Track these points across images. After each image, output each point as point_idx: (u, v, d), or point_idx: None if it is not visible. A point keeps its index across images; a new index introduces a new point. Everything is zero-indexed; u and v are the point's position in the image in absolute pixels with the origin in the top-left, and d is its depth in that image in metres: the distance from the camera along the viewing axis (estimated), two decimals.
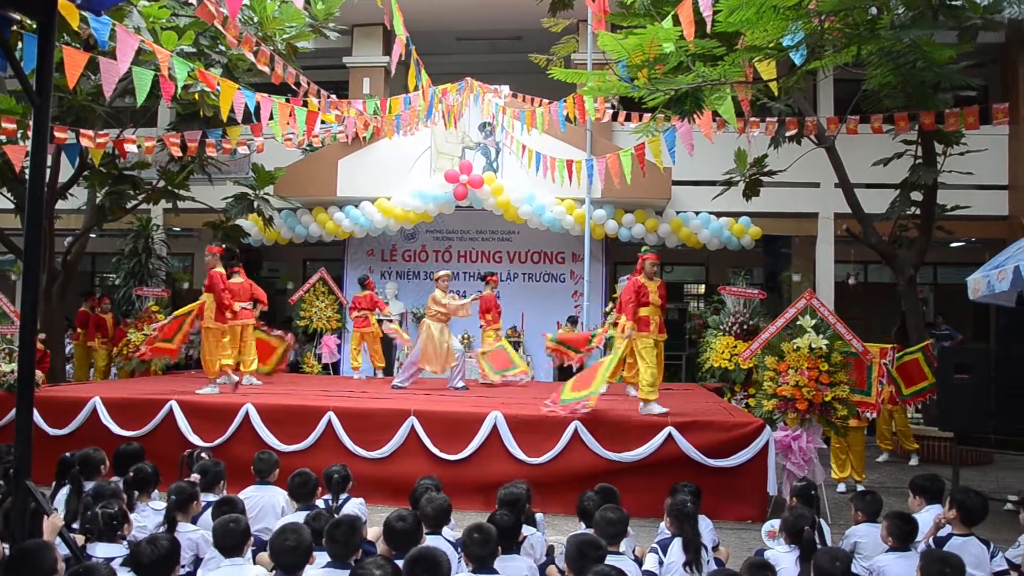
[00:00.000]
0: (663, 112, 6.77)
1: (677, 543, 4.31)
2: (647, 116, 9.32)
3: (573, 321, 13.57)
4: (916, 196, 11.66)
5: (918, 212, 11.72)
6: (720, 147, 10.92)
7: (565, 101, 9.39)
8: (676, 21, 5.29)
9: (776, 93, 9.21)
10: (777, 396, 7.18)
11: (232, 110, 7.75)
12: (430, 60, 10.08)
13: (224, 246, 10.83)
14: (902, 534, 4.29)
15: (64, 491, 5.20)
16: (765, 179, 12.37)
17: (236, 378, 9.44)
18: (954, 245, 15.80)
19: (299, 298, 14.24)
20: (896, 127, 9.73)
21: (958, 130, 9.88)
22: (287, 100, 8.67)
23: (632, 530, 4.60)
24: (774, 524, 4.89)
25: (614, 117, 11.58)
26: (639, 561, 4.40)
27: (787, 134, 10.94)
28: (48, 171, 10.93)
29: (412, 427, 7.83)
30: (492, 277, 12.00)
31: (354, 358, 12.54)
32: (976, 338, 15.89)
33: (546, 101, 10.46)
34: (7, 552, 3.76)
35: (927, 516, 4.83)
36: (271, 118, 8.24)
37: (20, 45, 6.55)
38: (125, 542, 4.12)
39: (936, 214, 11.60)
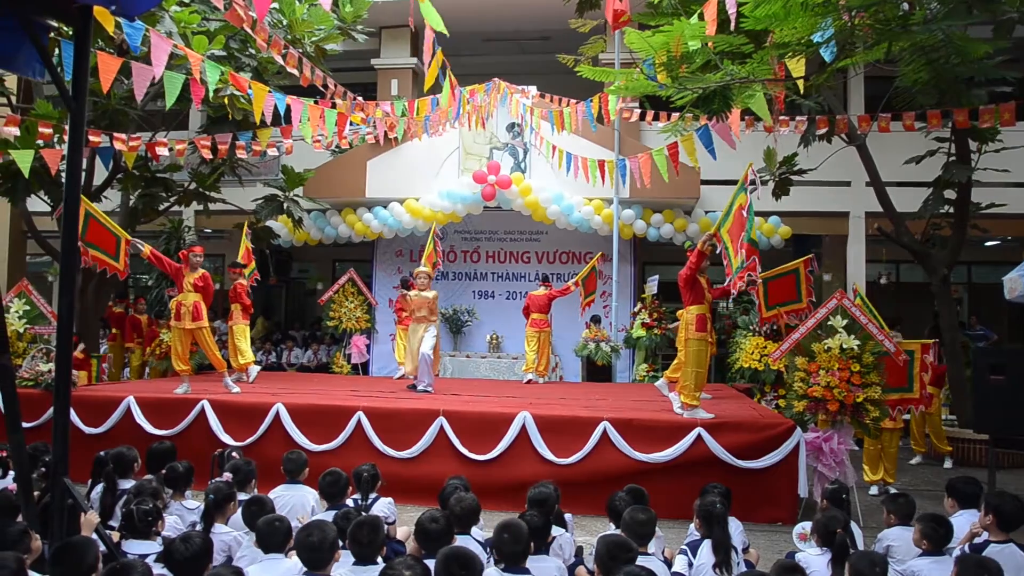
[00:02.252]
0: (692, 111, 6.73)
1: (707, 545, 4.29)
2: (676, 115, 9.28)
3: (596, 320, 13.55)
4: (950, 194, 11.50)
5: (951, 210, 11.57)
6: (749, 146, 10.84)
7: (592, 101, 9.38)
8: (702, 19, 5.27)
9: (804, 91, 9.12)
10: (808, 397, 7.11)
11: (262, 112, 7.84)
12: (457, 61, 10.11)
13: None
14: (937, 537, 4.23)
15: (99, 488, 5.28)
16: (795, 178, 12.27)
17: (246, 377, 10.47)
18: (989, 244, 15.58)
19: (328, 299, 14.34)
20: (929, 124, 9.60)
21: (993, 127, 9.72)
22: (316, 102, 8.74)
23: (661, 531, 4.59)
24: (805, 526, 4.85)
25: (642, 116, 11.54)
26: (668, 562, 4.38)
27: (817, 132, 10.83)
28: (83, 174, 11.10)
29: (441, 427, 7.86)
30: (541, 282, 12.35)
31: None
32: (1012, 338, 15.67)
33: (574, 101, 10.44)
34: (45, 548, 3.83)
35: (961, 520, 4.76)
36: (302, 120, 8.32)
37: (57, 51, 6.68)
38: (159, 539, 4.18)
39: (970, 212, 11.43)
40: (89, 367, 11.52)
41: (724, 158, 8.82)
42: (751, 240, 7.05)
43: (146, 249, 9.17)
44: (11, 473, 5.63)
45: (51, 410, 6.74)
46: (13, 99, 12.09)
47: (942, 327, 11.78)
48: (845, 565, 3.77)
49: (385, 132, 11.36)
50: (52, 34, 6.11)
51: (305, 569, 3.63)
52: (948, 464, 10.51)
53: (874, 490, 8.62)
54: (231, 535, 4.50)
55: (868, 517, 7.30)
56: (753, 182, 7.13)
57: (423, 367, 9.93)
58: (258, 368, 10.92)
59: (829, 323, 7.18)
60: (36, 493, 4.39)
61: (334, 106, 9.35)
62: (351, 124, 10.72)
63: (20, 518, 4.13)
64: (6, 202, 12.51)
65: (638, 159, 9.03)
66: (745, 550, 4.81)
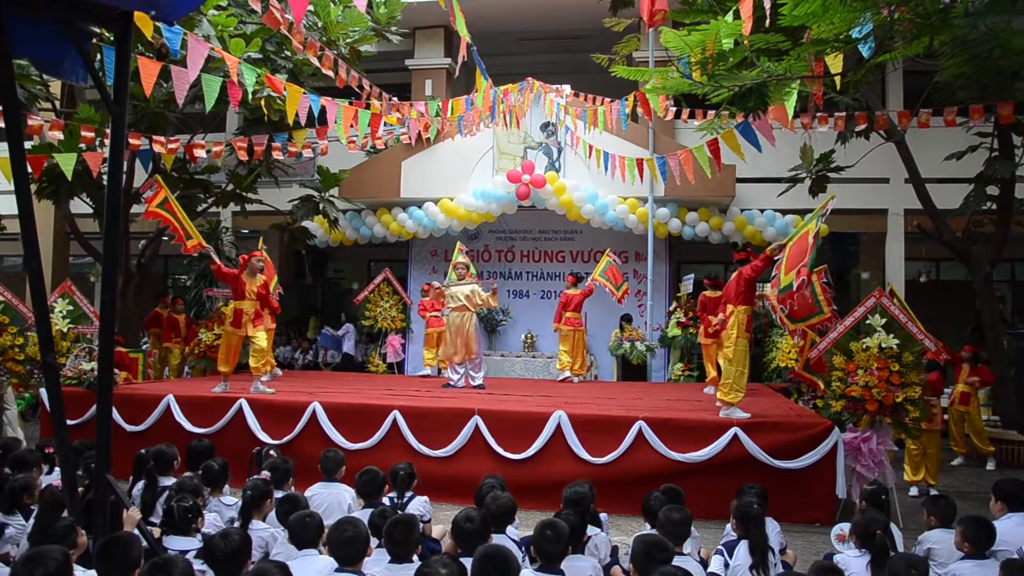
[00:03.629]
0: (728, 109, 6.68)
1: (743, 545, 4.25)
2: (711, 113, 9.21)
3: (627, 319, 13.51)
4: (992, 190, 11.29)
5: (994, 207, 11.35)
6: (785, 143, 10.72)
7: (627, 99, 9.34)
8: (737, 16, 5.24)
9: (841, 87, 9.00)
10: (846, 397, 7.02)
11: (297, 114, 7.92)
12: (491, 61, 10.14)
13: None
14: (979, 540, 4.15)
15: (140, 485, 5.36)
16: (832, 175, 12.12)
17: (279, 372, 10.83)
18: None
19: (364, 298, 14.44)
20: (971, 119, 9.43)
21: None
22: (350, 103, 8.81)
23: (697, 531, 4.56)
24: (843, 528, 4.79)
25: (677, 115, 11.49)
26: (704, 563, 4.35)
27: (856, 129, 10.70)
28: (123, 176, 11.30)
29: (476, 426, 7.87)
30: (571, 277, 12.39)
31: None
32: None
33: (608, 100, 10.41)
34: (89, 542, 3.90)
35: (1010, 524, 4.66)
36: (337, 121, 8.39)
37: (99, 57, 6.80)
38: (199, 535, 4.24)
39: (1014, 208, 11.21)
40: (135, 366, 11.70)
41: (761, 155, 8.74)
42: (812, 268, 7.02)
43: (217, 260, 9.28)
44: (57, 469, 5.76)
45: (94, 408, 6.87)
46: (57, 104, 12.34)
47: (984, 326, 11.57)
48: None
49: (419, 132, 11.43)
50: (94, 40, 6.22)
51: (338, 565, 3.66)
52: (990, 466, 10.32)
53: (914, 491, 8.50)
54: (268, 531, 4.55)
55: (908, 519, 7.19)
56: (824, 214, 7.07)
57: (480, 361, 10.23)
58: (278, 371, 11.12)
59: (867, 322, 7.08)
60: (80, 489, 4.47)
61: (368, 107, 9.42)
62: (385, 125, 10.79)
63: (66, 513, 4.21)
64: (50, 204, 12.77)
65: (677, 156, 8.97)
66: (782, 551, 4.76)
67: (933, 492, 7.88)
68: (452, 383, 10.36)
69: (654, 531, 4.25)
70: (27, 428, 10.66)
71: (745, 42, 5.35)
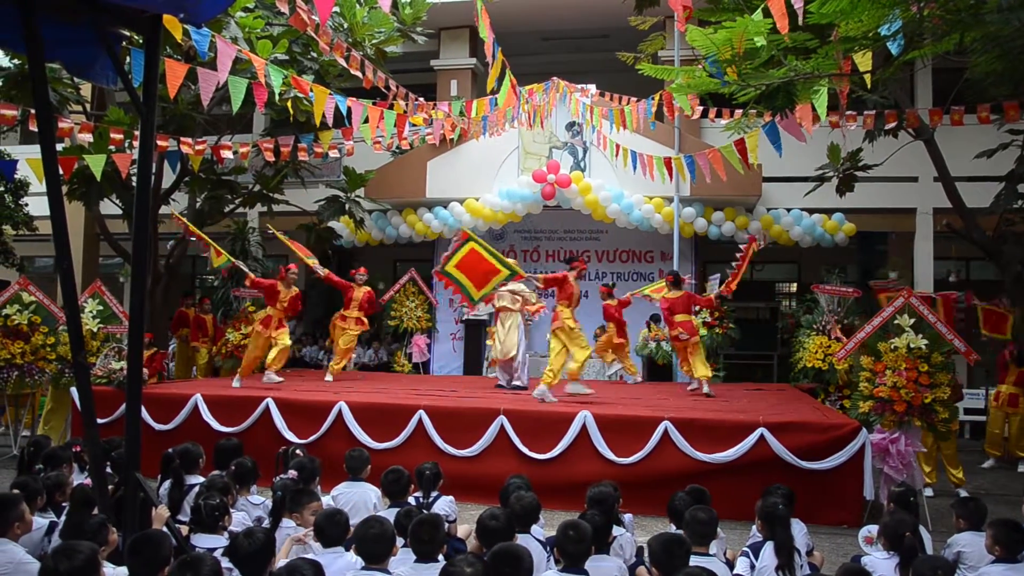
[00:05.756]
0: (755, 108, 6.63)
1: (769, 547, 4.23)
2: (738, 112, 9.15)
3: (656, 320, 13.44)
4: None
5: None
6: (812, 142, 10.57)
7: (653, 98, 9.30)
8: (766, 14, 5.19)
9: (870, 85, 8.90)
10: (874, 397, 6.95)
11: (323, 114, 7.97)
12: (516, 60, 10.12)
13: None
14: (1010, 543, 4.09)
15: (168, 484, 5.42)
16: (860, 174, 11.99)
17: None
18: None
19: (390, 298, 14.48)
20: (1006, 117, 9.28)
21: None
22: (374, 103, 8.85)
23: (723, 532, 4.53)
24: (871, 530, 4.74)
25: (704, 114, 11.42)
26: (730, 564, 4.33)
27: (885, 127, 10.57)
28: (152, 178, 11.43)
29: (501, 426, 7.87)
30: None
31: None
32: None
33: (633, 99, 10.36)
34: (119, 540, 3.95)
35: None
36: (365, 122, 8.43)
37: (128, 59, 6.89)
38: (226, 533, 4.28)
39: None
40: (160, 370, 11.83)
41: (787, 154, 8.66)
42: None
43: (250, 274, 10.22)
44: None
45: (123, 407, 6.95)
46: (88, 106, 12.51)
47: (1015, 326, 11.40)
48: None
49: (443, 134, 11.46)
50: (124, 43, 6.30)
51: (364, 563, 3.68)
52: (1022, 468, 10.17)
53: (929, 492, 8.33)
54: (295, 530, 4.57)
55: (937, 521, 7.11)
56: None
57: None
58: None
59: (896, 322, 7.01)
60: (110, 487, 4.52)
61: (393, 107, 9.46)
62: (411, 125, 10.84)
63: (96, 511, 4.27)
64: (80, 206, 12.93)
65: (705, 155, 8.92)
66: (809, 552, 4.72)
67: (963, 494, 7.77)
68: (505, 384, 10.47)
69: (679, 531, 4.23)
70: None
71: (786, 39, 5.29)
